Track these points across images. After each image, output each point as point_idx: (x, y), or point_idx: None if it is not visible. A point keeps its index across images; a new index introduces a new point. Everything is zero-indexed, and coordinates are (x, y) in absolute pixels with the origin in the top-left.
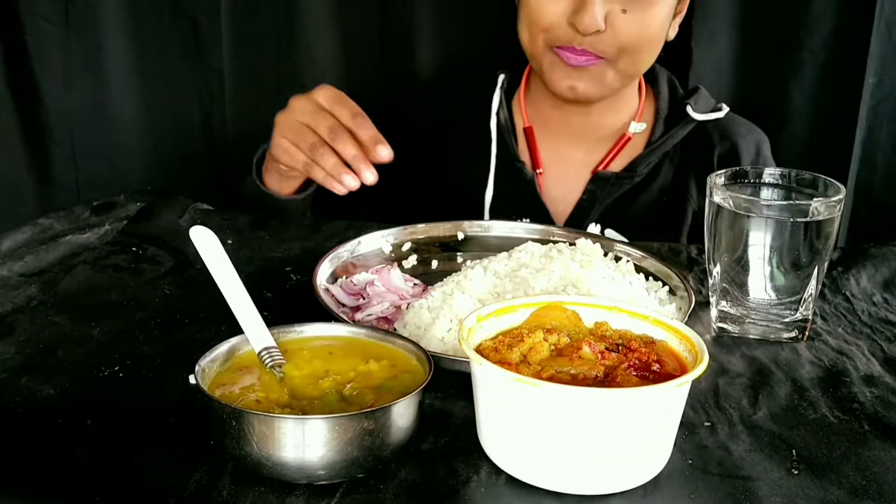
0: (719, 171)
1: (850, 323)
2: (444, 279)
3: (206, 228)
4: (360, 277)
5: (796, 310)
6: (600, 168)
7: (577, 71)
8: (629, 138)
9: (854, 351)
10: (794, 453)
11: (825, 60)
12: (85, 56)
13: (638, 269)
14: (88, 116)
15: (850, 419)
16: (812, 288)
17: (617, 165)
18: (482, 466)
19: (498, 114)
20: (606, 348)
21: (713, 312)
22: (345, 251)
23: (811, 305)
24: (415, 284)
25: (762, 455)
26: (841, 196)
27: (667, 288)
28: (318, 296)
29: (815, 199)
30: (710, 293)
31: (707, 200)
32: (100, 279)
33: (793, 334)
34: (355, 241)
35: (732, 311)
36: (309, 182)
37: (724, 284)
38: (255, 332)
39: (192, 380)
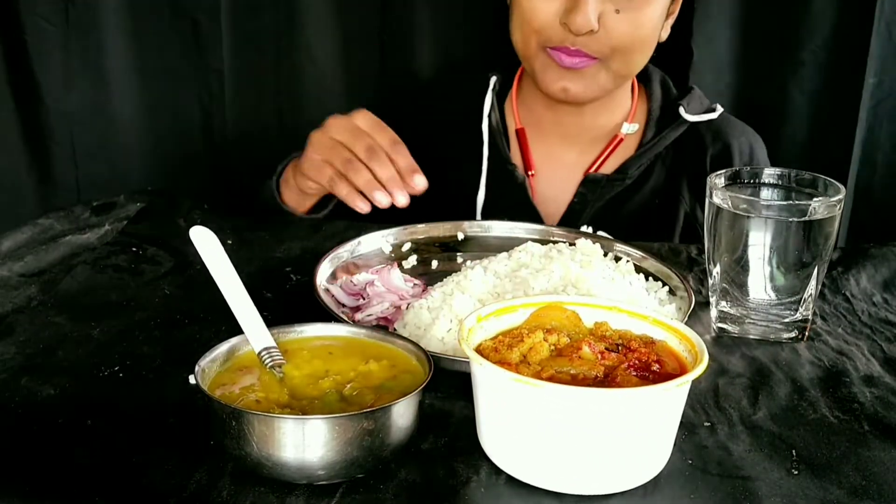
0: (719, 172)
1: (850, 323)
2: (444, 279)
3: (205, 228)
4: (360, 277)
5: (796, 310)
6: (592, 169)
7: (569, 72)
8: (621, 139)
9: (854, 351)
10: (794, 453)
11: (825, 60)
12: (85, 56)
13: (638, 269)
14: (88, 116)
15: (850, 419)
16: (812, 288)
17: (609, 166)
18: (482, 466)
19: (490, 116)
20: (606, 348)
21: (713, 313)
22: (345, 251)
23: (811, 306)
24: (415, 285)
25: (762, 455)
26: (841, 196)
27: (667, 288)
28: (318, 296)
29: (814, 200)
30: (709, 293)
31: (707, 201)
32: (100, 279)
33: (793, 334)
34: (355, 241)
35: (732, 312)
36: (324, 203)
37: (724, 285)
38: (254, 332)
39: (191, 380)
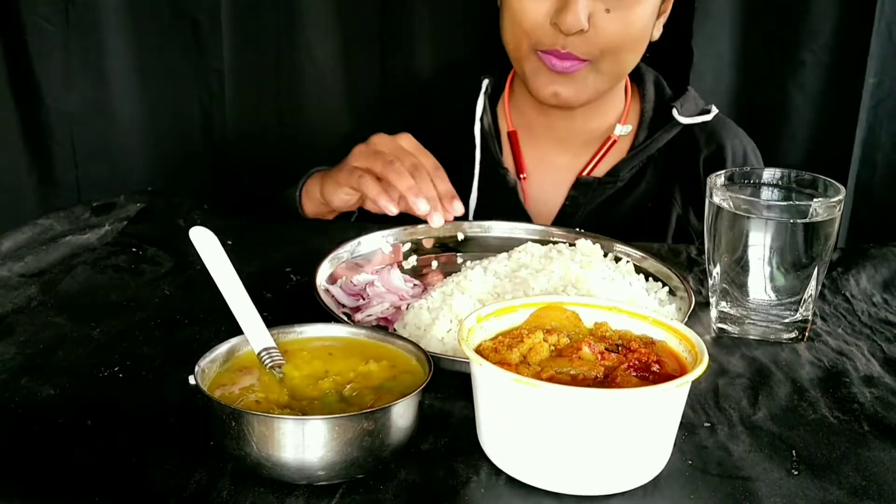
0: (719, 172)
1: (850, 323)
2: (444, 279)
3: (205, 229)
4: (360, 278)
5: (796, 310)
6: (584, 172)
7: (560, 76)
8: (615, 141)
9: (854, 351)
10: (794, 454)
11: (825, 60)
12: (85, 56)
13: (638, 269)
14: (89, 116)
15: (850, 419)
16: (812, 288)
17: (602, 169)
18: (482, 467)
19: (482, 119)
20: (606, 349)
21: (713, 313)
22: (345, 252)
23: (811, 306)
24: (415, 285)
25: (762, 455)
26: (841, 196)
27: (666, 289)
28: (318, 296)
29: (814, 200)
30: (709, 294)
31: (707, 201)
32: (100, 280)
33: (793, 335)
34: (355, 241)
35: (732, 312)
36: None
37: (724, 285)
38: (254, 332)
39: (191, 380)
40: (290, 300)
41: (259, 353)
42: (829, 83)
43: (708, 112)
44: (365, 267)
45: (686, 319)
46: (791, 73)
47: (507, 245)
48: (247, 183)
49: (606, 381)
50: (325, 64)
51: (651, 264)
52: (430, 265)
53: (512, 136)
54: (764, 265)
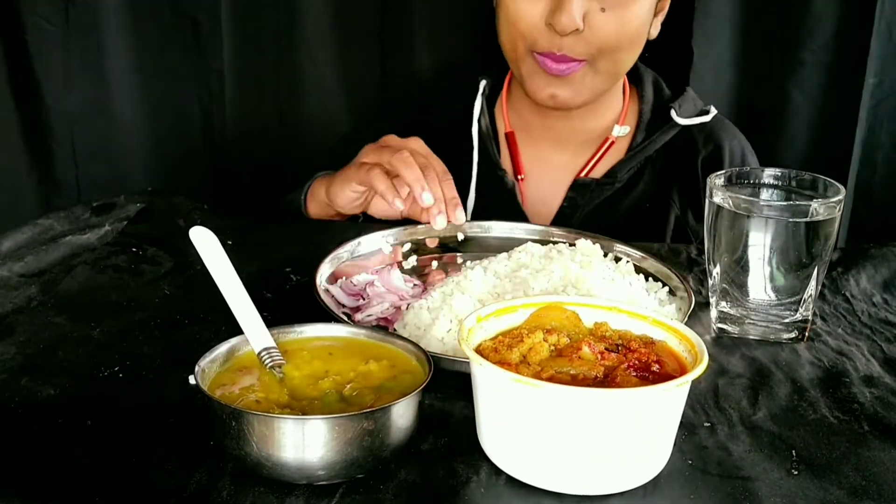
0: (719, 172)
1: (850, 323)
2: (444, 279)
3: (205, 229)
4: (360, 278)
5: (796, 310)
6: (582, 173)
7: (557, 78)
8: (612, 142)
9: (854, 351)
10: (794, 454)
11: (825, 60)
12: (85, 56)
13: (638, 269)
14: (89, 116)
15: (850, 419)
16: (812, 288)
17: (600, 170)
18: (482, 467)
19: (479, 120)
20: (606, 349)
21: (713, 313)
22: (345, 252)
23: (811, 306)
24: (415, 285)
25: (762, 455)
26: (841, 196)
27: (666, 289)
28: (318, 296)
29: (814, 200)
30: (709, 294)
31: (707, 201)
32: (100, 280)
33: (792, 335)
34: (355, 241)
35: (732, 312)
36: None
37: (724, 285)
38: (254, 332)
39: (191, 380)
40: (290, 300)
41: (259, 353)
42: (829, 83)
43: (707, 113)
44: (365, 267)
45: (686, 319)
46: (791, 73)
47: (507, 245)
48: (247, 183)
49: (606, 380)
50: (325, 64)
51: (651, 264)
52: (430, 265)
53: (510, 137)
54: (764, 265)
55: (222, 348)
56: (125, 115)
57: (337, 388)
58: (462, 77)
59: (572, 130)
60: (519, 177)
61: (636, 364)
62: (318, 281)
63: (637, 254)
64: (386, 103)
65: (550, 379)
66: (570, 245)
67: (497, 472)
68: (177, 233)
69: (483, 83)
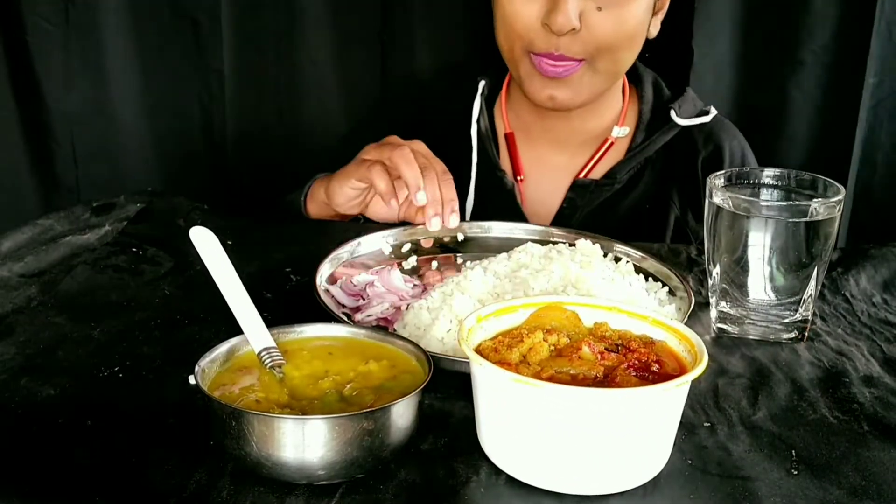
0: (719, 172)
1: (850, 324)
2: (444, 280)
3: (205, 229)
4: (360, 278)
5: (796, 310)
6: (581, 174)
7: (555, 80)
8: (612, 143)
9: (853, 352)
10: (794, 454)
11: (825, 60)
12: (85, 56)
13: (637, 269)
14: (89, 116)
15: (850, 420)
16: (812, 289)
17: (600, 170)
18: (482, 467)
19: (478, 121)
20: (606, 349)
21: (713, 313)
22: (345, 252)
23: (811, 306)
24: (414, 285)
25: (762, 455)
26: (840, 197)
27: (666, 289)
28: (318, 297)
29: (814, 200)
30: (709, 294)
31: (707, 201)
32: (100, 280)
33: (792, 335)
34: (355, 241)
35: (732, 312)
36: None
37: (724, 285)
38: (254, 332)
39: (191, 380)
40: (290, 300)
41: (259, 353)
42: (829, 83)
43: (707, 113)
44: (365, 267)
45: (686, 319)
46: (791, 73)
47: (507, 245)
48: (247, 183)
49: (606, 380)
50: (325, 64)
51: (651, 264)
52: (430, 265)
53: (509, 138)
54: (764, 265)
55: (222, 348)
56: (125, 115)
57: (337, 388)
58: (462, 77)
59: (572, 131)
60: (518, 178)
61: (636, 364)
62: (317, 281)
63: (637, 254)
64: (386, 103)
65: (550, 379)
66: (570, 245)
67: (497, 472)
68: (177, 233)
69: (482, 84)
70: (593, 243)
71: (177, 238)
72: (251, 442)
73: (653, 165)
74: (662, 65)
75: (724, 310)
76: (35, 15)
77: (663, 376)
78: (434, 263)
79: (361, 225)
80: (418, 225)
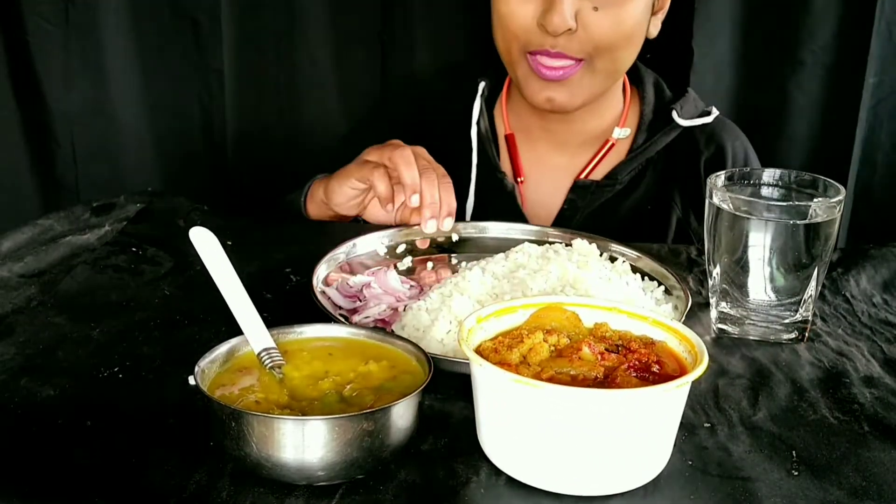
0: (719, 172)
1: (850, 324)
2: (442, 281)
3: (205, 229)
4: (357, 279)
5: (796, 311)
6: (582, 175)
7: (553, 81)
8: (613, 144)
9: (854, 352)
10: (794, 454)
11: (825, 60)
12: (85, 56)
13: (634, 269)
14: (89, 116)
15: (850, 420)
16: (812, 289)
17: (600, 171)
18: (482, 467)
19: (478, 123)
20: (606, 349)
21: (713, 314)
22: (341, 253)
23: (811, 307)
24: (411, 286)
25: (762, 456)
26: (841, 197)
27: (662, 288)
28: (315, 299)
29: (814, 201)
30: (709, 294)
31: (707, 202)
32: (100, 280)
33: (793, 335)
34: (350, 242)
35: (732, 313)
36: None
37: (724, 286)
38: (254, 332)
39: (191, 380)
40: (289, 300)
41: (259, 354)
42: (829, 83)
43: (708, 114)
44: (362, 267)
45: (683, 318)
46: (791, 74)
47: (504, 246)
48: (247, 183)
49: (606, 381)
50: (325, 64)
51: (646, 263)
52: (426, 266)
53: (509, 139)
54: (764, 266)
55: (222, 349)
56: (125, 115)
57: (337, 388)
58: (462, 78)
59: (572, 132)
60: (519, 179)
61: (636, 365)
62: (316, 282)
63: (633, 253)
64: (386, 103)
65: (550, 379)
66: (567, 245)
67: (497, 472)
68: (177, 233)
69: (482, 85)
70: (589, 243)
71: (177, 238)
72: (251, 443)
73: (654, 166)
74: (663, 65)
75: (725, 310)
76: (35, 15)
77: (663, 377)
78: (429, 264)
79: (361, 226)
80: (414, 226)
